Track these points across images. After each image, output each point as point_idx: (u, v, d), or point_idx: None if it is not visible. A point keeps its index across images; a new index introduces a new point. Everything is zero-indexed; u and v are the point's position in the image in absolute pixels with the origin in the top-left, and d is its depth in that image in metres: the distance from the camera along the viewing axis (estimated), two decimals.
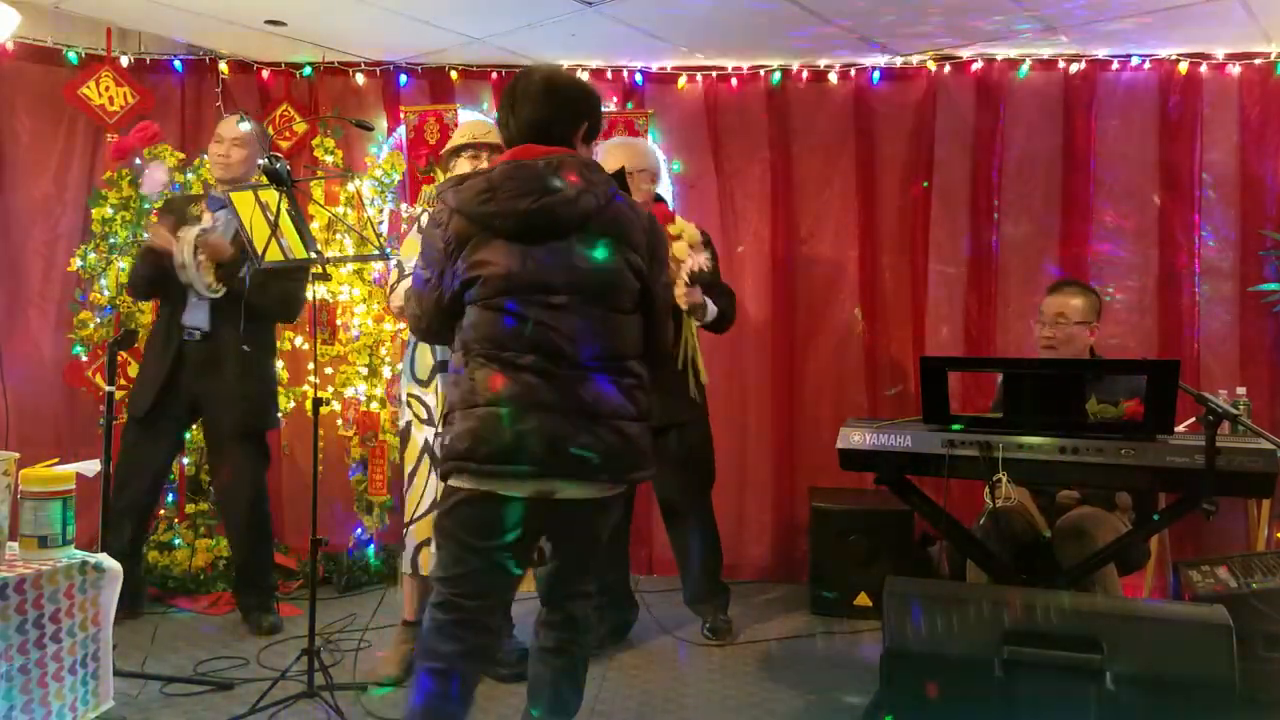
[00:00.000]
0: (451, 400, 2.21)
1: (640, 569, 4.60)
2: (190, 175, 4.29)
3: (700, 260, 3.55)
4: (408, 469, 3.31)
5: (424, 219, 3.32)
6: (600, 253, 2.22)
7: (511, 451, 2.13)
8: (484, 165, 3.29)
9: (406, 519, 3.30)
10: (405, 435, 3.33)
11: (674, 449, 3.64)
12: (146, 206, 4.18)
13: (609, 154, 3.66)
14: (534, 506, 2.19)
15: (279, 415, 4.05)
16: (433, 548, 3.18)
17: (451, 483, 2.21)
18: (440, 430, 2.32)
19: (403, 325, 4.46)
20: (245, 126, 3.71)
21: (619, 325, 2.25)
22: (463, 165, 3.32)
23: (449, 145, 3.41)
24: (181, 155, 4.32)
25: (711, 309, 3.62)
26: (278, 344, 4.04)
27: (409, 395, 3.31)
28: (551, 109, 2.25)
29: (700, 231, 3.69)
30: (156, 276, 3.63)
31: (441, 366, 3.22)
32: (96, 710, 2.20)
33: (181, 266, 3.52)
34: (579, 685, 2.46)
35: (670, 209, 3.87)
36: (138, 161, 4.15)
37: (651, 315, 2.34)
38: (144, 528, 3.88)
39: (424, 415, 3.27)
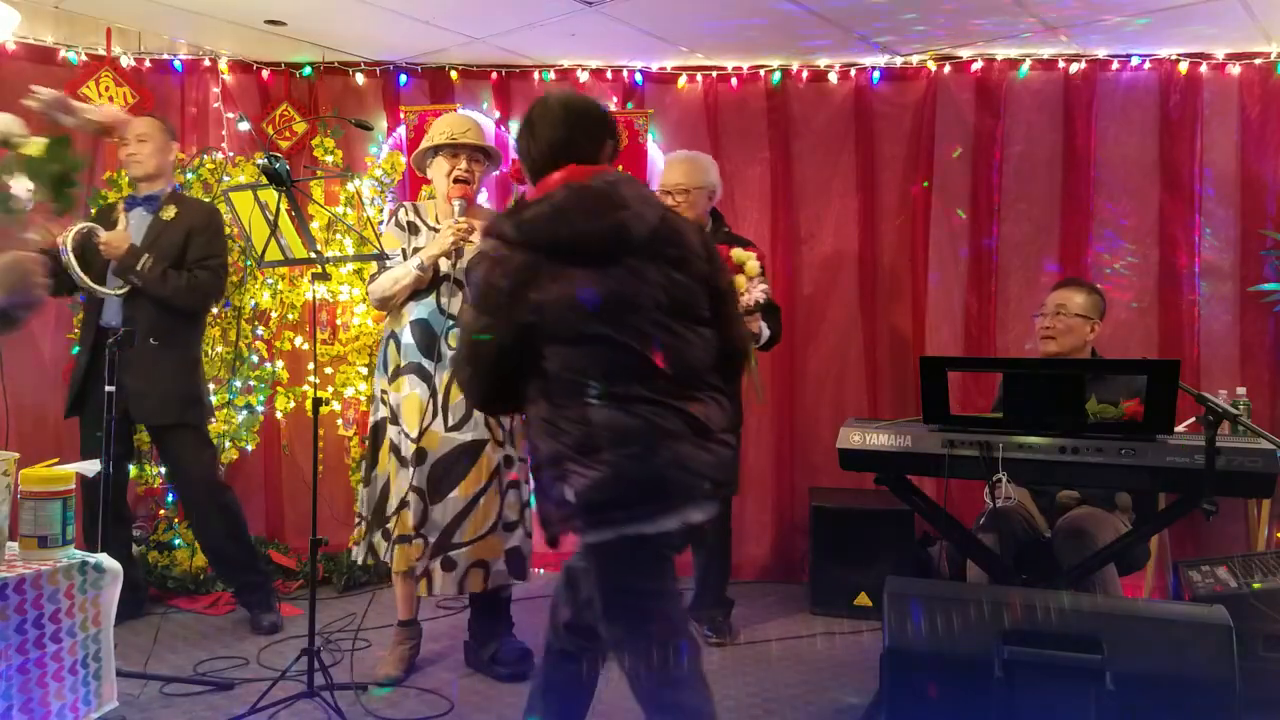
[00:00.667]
0: (557, 450, 2.05)
1: None
2: (190, 175, 4.29)
3: (758, 292, 3.55)
4: (380, 469, 3.28)
5: (400, 213, 3.33)
6: (672, 267, 2.14)
7: (656, 491, 2.03)
8: (464, 167, 3.28)
9: (383, 517, 3.25)
10: (378, 432, 3.30)
11: None
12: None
13: (669, 168, 3.70)
14: (679, 537, 2.12)
15: (207, 408, 3.94)
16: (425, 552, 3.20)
17: (591, 539, 2.08)
18: (544, 481, 2.11)
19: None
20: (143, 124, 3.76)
21: (701, 339, 2.18)
22: (440, 165, 3.29)
23: (425, 143, 3.33)
24: (182, 155, 4.32)
25: (765, 333, 3.65)
26: (202, 336, 3.97)
27: (382, 392, 3.30)
28: (574, 129, 2.19)
29: (756, 257, 3.66)
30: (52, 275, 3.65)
31: (412, 369, 3.21)
32: (100, 710, 2.20)
33: (68, 266, 3.50)
34: None
35: (726, 231, 3.83)
36: None
37: (723, 319, 2.25)
38: (124, 532, 3.86)
39: (388, 415, 3.26)
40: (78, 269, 3.51)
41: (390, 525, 3.23)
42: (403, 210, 3.34)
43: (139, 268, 3.59)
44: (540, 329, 2.04)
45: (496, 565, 3.26)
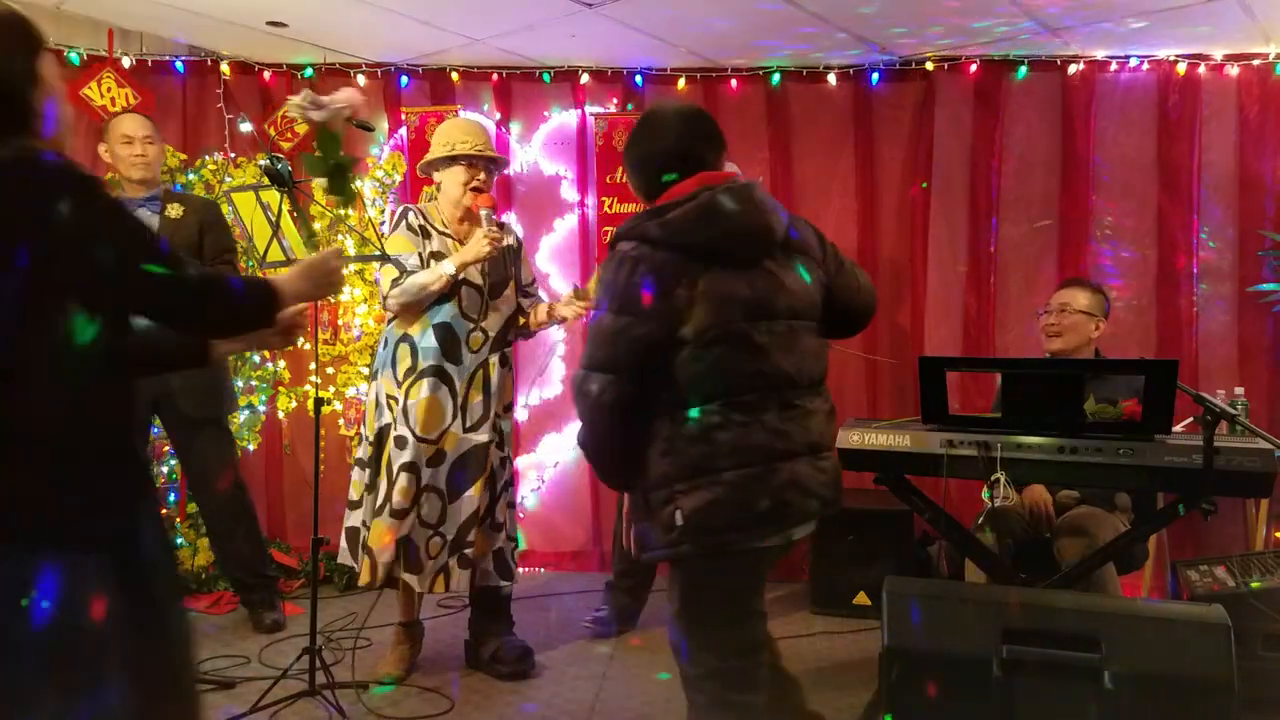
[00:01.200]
0: (667, 472, 2.01)
1: None
2: (192, 176, 4.30)
3: None
4: (386, 468, 3.26)
5: (410, 216, 3.31)
6: (803, 270, 2.13)
7: (772, 512, 2.00)
8: (482, 178, 3.28)
9: (376, 515, 3.24)
10: (381, 438, 3.27)
11: None
12: None
13: None
14: (775, 553, 2.12)
15: (235, 404, 4.04)
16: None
17: (705, 558, 2.03)
18: (650, 503, 2.06)
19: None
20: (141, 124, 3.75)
21: (820, 347, 2.17)
22: (456, 174, 3.27)
23: (443, 150, 3.28)
24: (183, 156, 4.33)
25: None
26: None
27: (388, 397, 3.26)
28: (696, 139, 2.14)
29: None
30: None
31: (432, 372, 3.21)
32: None
33: None
34: None
35: None
36: None
37: (842, 289, 2.23)
38: None
39: (399, 415, 3.25)
40: None
41: (366, 535, 3.24)
42: (411, 214, 3.31)
43: None
44: (679, 329, 1.98)
45: (484, 564, 3.31)
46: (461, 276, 3.20)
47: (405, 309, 3.22)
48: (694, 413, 1.99)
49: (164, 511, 4.32)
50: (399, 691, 3.24)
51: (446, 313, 3.22)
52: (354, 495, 3.36)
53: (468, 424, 3.25)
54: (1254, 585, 3.09)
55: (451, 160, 3.28)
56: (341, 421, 4.44)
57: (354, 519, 3.33)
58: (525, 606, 3.87)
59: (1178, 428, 2.98)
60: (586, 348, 2.06)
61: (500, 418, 3.35)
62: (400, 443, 3.21)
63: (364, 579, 3.23)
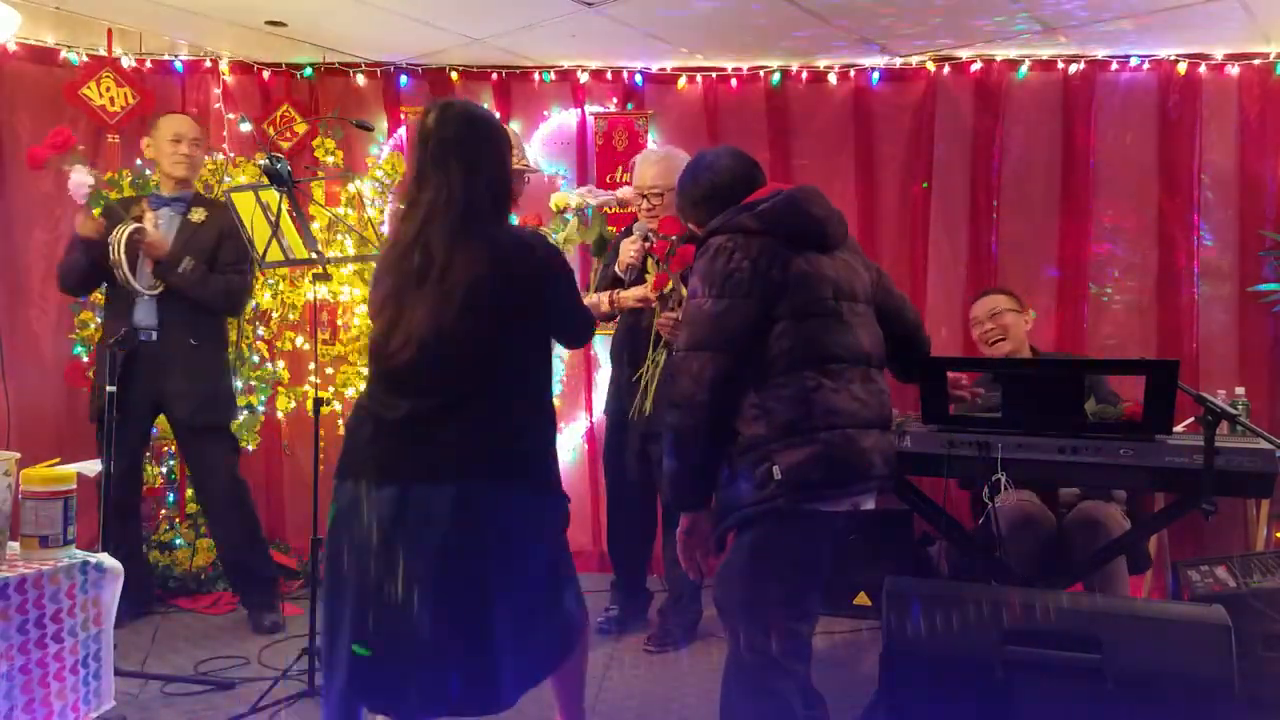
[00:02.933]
0: (759, 433, 2.17)
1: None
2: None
3: None
4: None
5: None
6: (861, 267, 2.41)
7: (859, 470, 2.19)
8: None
9: None
10: None
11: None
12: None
13: (641, 168, 3.56)
14: (842, 523, 2.26)
15: (236, 407, 4.05)
16: None
17: (788, 517, 2.17)
18: (740, 468, 2.22)
19: None
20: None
21: (881, 333, 2.40)
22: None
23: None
24: None
25: None
26: (229, 337, 4.03)
27: None
28: (751, 167, 2.44)
29: None
30: (88, 269, 3.66)
31: None
32: (98, 710, 2.20)
33: (116, 264, 3.54)
34: None
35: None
36: (69, 169, 3.67)
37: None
38: (135, 528, 3.87)
39: None
40: (126, 267, 3.54)
41: None
42: None
43: (180, 269, 3.61)
44: (774, 307, 2.19)
45: None
46: None
47: None
48: (788, 377, 2.17)
49: (164, 512, 4.34)
50: None
51: None
52: None
53: None
54: (1255, 585, 3.08)
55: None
56: (341, 422, 4.43)
57: None
58: None
59: (1178, 428, 2.98)
60: (685, 331, 2.24)
61: None
62: None
63: None
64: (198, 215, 3.77)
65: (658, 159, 3.58)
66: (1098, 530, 3.13)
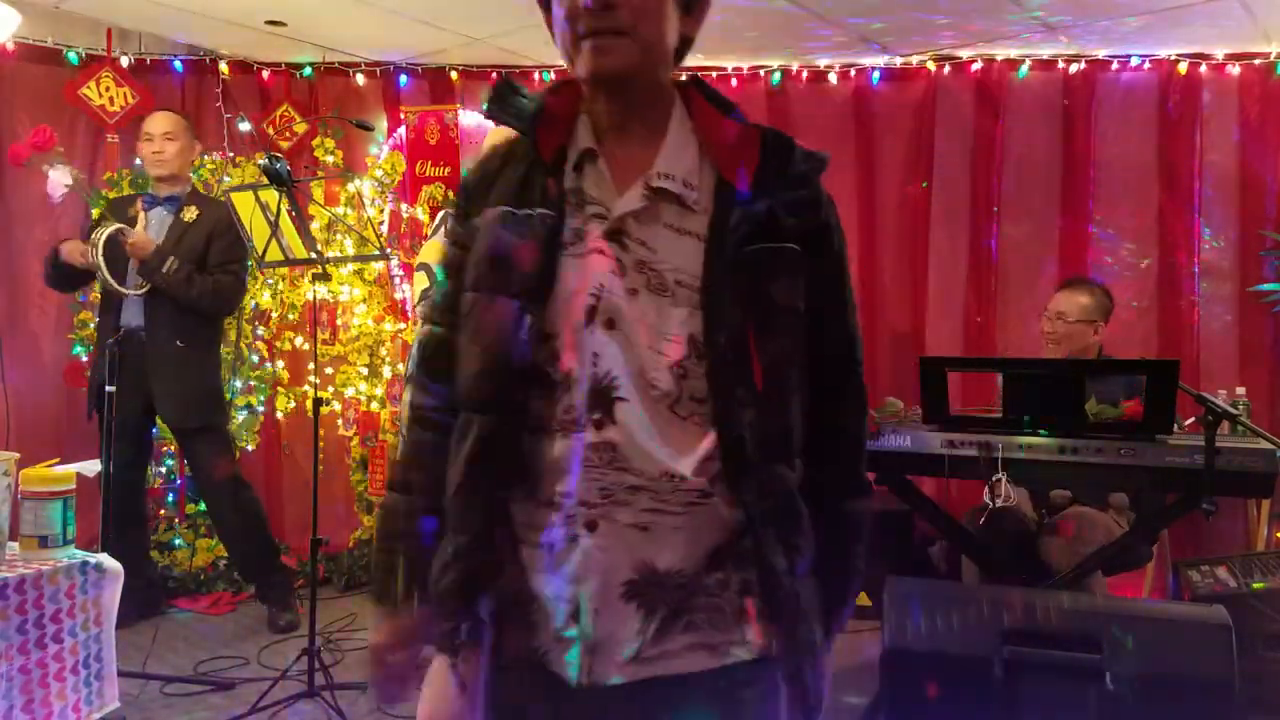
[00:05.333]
0: None
1: None
2: (191, 175, 4.28)
3: None
4: None
5: (450, 222, 3.26)
6: None
7: None
8: None
9: None
10: None
11: None
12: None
13: None
14: None
15: (227, 408, 4.03)
16: None
17: None
18: None
19: (403, 325, 4.47)
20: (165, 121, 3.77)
21: None
22: None
23: None
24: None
25: None
26: (222, 338, 4.04)
27: None
28: None
29: None
30: (68, 275, 3.69)
31: None
32: (101, 710, 2.20)
33: (95, 267, 3.53)
34: None
35: None
36: (48, 168, 3.63)
37: None
38: (140, 531, 3.87)
39: None
40: (105, 270, 3.53)
41: None
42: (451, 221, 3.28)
43: (164, 270, 3.58)
44: None
45: None
46: None
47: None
48: None
49: (163, 512, 4.34)
50: None
51: None
52: None
53: None
54: (1255, 586, 3.08)
55: None
56: (340, 422, 4.43)
57: None
58: None
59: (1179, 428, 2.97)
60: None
61: None
62: None
63: None
64: (189, 215, 3.74)
65: None
66: (1072, 540, 3.11)
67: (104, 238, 3.52)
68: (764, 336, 1.17)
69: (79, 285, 3.84)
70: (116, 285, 3.58)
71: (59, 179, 3.49)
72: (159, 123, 3.75)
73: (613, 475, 1.15)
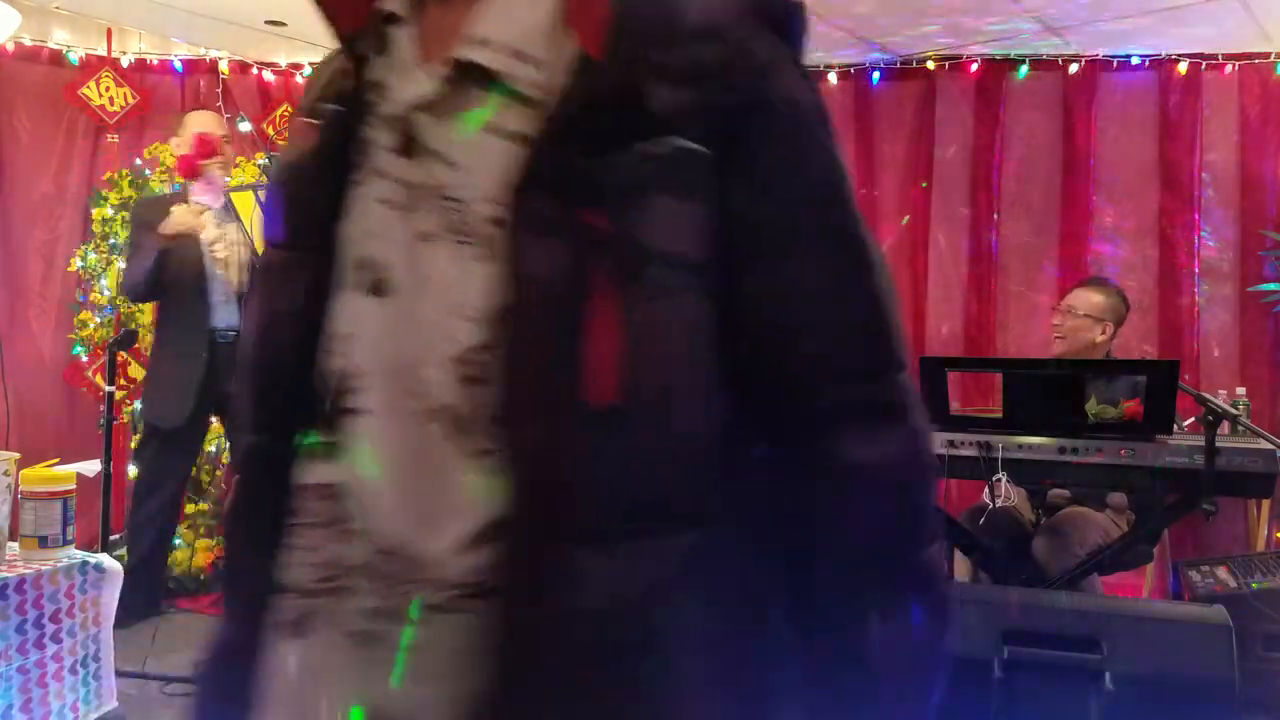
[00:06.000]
0: None
1: None
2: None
3: None
4: None
5: None
6: None
7: None
8: None
9: None
10: None
11: None
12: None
13: None
14: None
15: None
16: None
17: None
18: None
19: None
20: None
21: None
22: None
23: None
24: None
25: None
26: None
27: None
28: None
29: None
30: (163, 273, 3.50)
31: None
32: (99, 710, 2.20)
33: (228, 264, 3.42)
34: None
35: None
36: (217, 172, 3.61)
37: None
38: (167, 535, 3.86)
39: None
40: (235, 268, 3.43)
41: None
42: None
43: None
44: None
45: None
46: None
47: None
48: None
49: None
50: None
51: None
52: None
53: None
54: (1255, 586, 3.08)
55: None
56: None
57: None
58: None
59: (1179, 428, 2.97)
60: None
61: None
62: None
63: None
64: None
65: None
66: (1064, 542, 3.11)
67: (229, 236, 3.40)
68: (619, 310, 0.66)
69: (161, 288, 3.54)
70: (232, 282, 3.46)
71: (222, 183, 3.46)
72: (212, 123, 3.61)
73: (334, 544, 0.72)
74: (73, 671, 2.13)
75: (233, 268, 3.45)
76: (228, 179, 3.50)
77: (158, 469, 3.64)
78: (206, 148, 3.45)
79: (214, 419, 3.78)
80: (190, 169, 3.48)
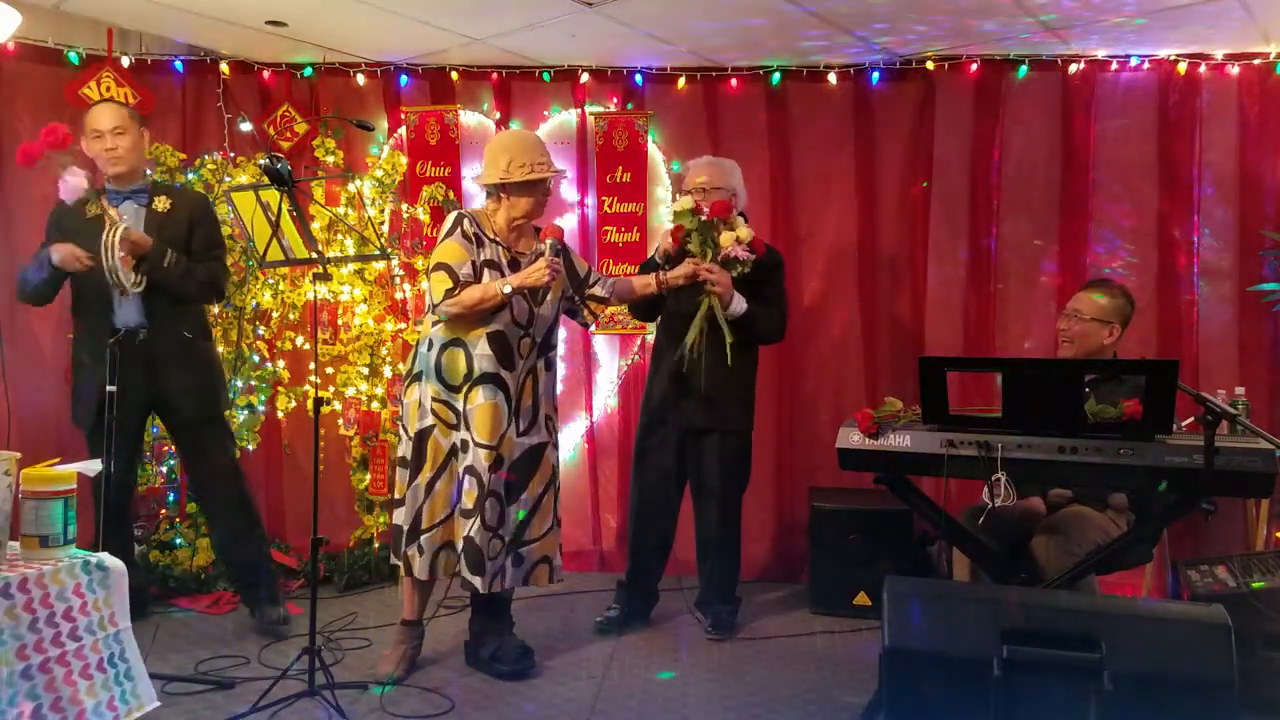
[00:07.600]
0: None
1: None
2: (192, 175, 4.29)
3: (738, 250, 3.57)
4: (426, 476, 3.27)
5: (465, 224, 3.28)
6: None
7: None
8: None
9: (425, 525, 3.26)
10: (422, 440, 3.29)
11: (714, 454, 3.79)
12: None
13: (695, 170, 3.82)
14: None
15: (230, 395, 4.05)
16: (433, 551, 3.22)
17: None
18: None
19: (403, 325, 4.48)
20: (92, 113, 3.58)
21: None
22: (536, 197, 3.30)
23: (521, 174, 3.26)
24: (183, 155, 4.32)
25: (739, 304, 3.63)
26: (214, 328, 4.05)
27: (434, 400, 3.27)
28: None
29: (771, 251, 3.80)
30: (57, 284, 3.54)
31: (490, 379, 3.21)
32: (140, 711, 2.20)
33: (110, 269, 3.31)
34: None
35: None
36: (62, 169, 3.48)
37: None
38: (126, 535, 3.83)
39: (452, 420, 3.27)
40: (120, 271, 3.32)
41: (431, 535, 3.26)
42: (467, 221, 3.29)
43: (166, 263, 3.47)
44: None
45: (557, 560, 3.43)
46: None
47: (459, 318, 3.23)
48: None
49: (164, 511, 4.34)
50: (399, 691, 3.24)
51: (501, 320, 3.24)
52: (397, 494, 3.38)
53: (521, 428, 3.31)
54: (1255, 585, 3.09)
55: (535, 184, 3.29)
56: (341, 422, 4.44)
57: (398, 517, 3.35)
58: (525, 606, 3.87)
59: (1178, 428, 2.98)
60: None
61: (550, 418, 3.43)
62: (463, 447, 3.25)
63: (421, 575, 3.27)
64: (162, 204, 3.60)
65: (707, 161, 3.89)
66: (1062, 541, 3.11)
67: (115, 239, 3.31)
68: None
69: (55, 295, 3.62)
70: (127, 284, 3.38)
71: (79, 183, 3.40)
72: (106, 117, 3.55)
73: None
74: (100, 669, 2.13)
75: (117, 273, 3.34)
76: (84, 186, 3.40)
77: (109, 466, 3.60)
78: (51, 137, 3.34)
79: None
80: (27, 158, 3.40)
